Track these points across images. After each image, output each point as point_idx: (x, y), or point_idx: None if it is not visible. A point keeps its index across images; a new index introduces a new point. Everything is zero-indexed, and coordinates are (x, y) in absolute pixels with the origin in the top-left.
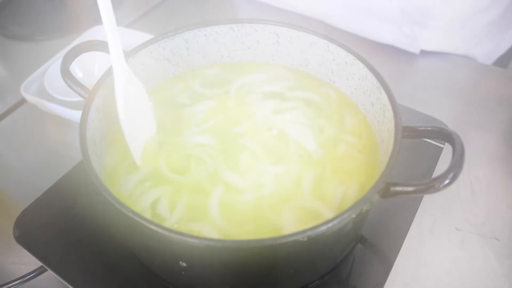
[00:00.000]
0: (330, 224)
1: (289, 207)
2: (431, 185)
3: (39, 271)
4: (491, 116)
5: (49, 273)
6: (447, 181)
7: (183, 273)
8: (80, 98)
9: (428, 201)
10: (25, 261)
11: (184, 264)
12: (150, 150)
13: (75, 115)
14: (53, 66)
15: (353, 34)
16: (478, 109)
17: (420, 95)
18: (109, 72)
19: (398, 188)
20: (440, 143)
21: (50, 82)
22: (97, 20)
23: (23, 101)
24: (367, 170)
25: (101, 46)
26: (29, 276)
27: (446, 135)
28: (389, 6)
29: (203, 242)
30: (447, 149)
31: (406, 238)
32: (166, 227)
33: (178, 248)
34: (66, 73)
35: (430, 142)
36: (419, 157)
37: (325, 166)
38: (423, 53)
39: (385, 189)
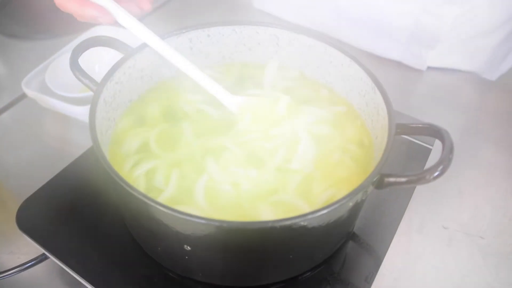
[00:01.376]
0: (330, 208)
1: (268, 202)
2: (422, 176)
3: (38, 259)
4: (479, 123)
5: (48, 262)
6: (437, 173)
7: (186, 257)
8: (81, 94)
9: (417, 200)
10: (24, 251)
11: (189, 248)
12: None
13: (76, 110)
14: (55, 63)
15: (361, 49)
16: (466, 115)
17: (425, 107)
18: (116, 67)
19: (392, 179)
20: (428, 144)
21: (51, 78)
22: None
23: (22, 97)
24: (358, 178)
25: (109, 42)
26: (27, 265)
27: (436, 132)
28: (398, 27)
29: (211, 223)
30: (435, 150)
31: (395, 235)
32: (177, 209)
33: (185, 230)
34: (75, 66)
35: (419, 144)
36: (409, 158)
37: (314, 174)
38: (430, 68)
39: (379, 180)
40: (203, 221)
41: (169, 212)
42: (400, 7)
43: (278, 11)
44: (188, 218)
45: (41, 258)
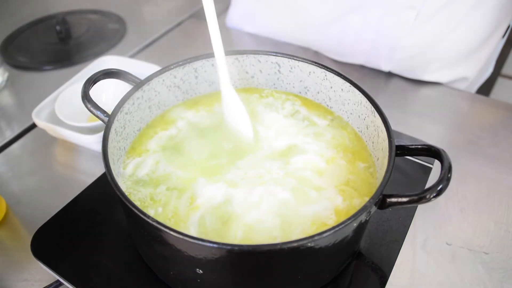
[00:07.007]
0: (336, 229)
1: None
2: (423, 196)
3: (53, 286)
4: (476, 140)
5: None
6: (437, 192)
7: (198, 280)
8: (90, 124)
9: (420, 218)
10: (37, 278)
11: (201, 271)
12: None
13: (85, 139)
14: (64, 93)
15: (326, 56)
16: (463, 133)
17: (412, 122)
18: (125, 98)
19: (393, 199)
20: (429, 163)
21: (61, 108)
22: (101, 52)
23: (31, 127)
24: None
25: (117, 74)
26: None
27: (434, 152)
28: (363, 32)
29: (223, 247)
30: (436, 168)
31: (400, 253)
32: (191, 235)
33: (198, 255)
34: (87, 98)
35: (419, 163)
36: (410, 178)
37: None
38: (415, 82)
39: (382, 200)
40: (215, 246)
41: (185, 238)
42: (365, 12)
43: (248, 27)
44: (201, 243)
45: (56, 285)
